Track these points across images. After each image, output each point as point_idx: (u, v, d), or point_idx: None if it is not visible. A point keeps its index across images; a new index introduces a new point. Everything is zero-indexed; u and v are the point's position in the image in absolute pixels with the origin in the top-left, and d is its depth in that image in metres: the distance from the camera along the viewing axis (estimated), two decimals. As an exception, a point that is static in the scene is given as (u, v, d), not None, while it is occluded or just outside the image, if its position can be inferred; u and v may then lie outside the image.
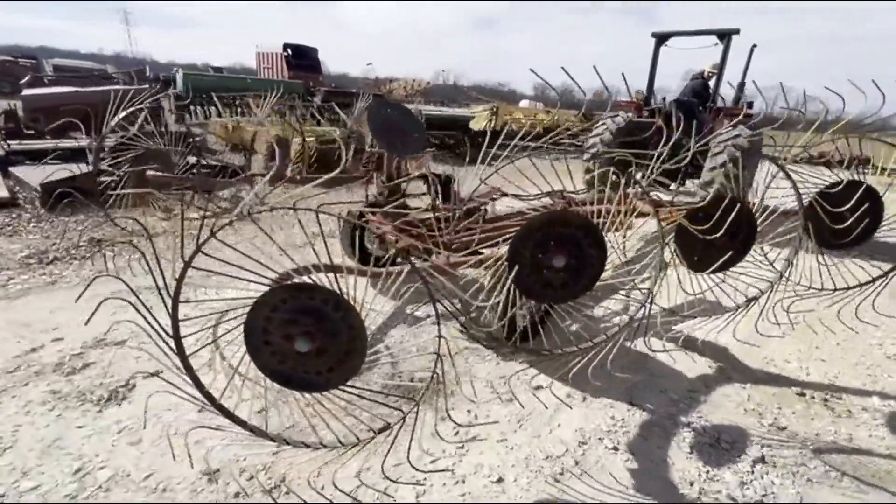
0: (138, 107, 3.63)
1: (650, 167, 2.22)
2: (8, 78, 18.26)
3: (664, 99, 7.19)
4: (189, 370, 1.54)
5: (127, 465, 2.04)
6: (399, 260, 3.51)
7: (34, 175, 5.66)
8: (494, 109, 12.18)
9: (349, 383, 1.67)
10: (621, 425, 2.53)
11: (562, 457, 2.28)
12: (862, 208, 2.47)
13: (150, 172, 3.91)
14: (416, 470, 1.92)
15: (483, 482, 2.10)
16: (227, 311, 1.67)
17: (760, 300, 2.81)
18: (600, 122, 6.89)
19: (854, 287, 2.77)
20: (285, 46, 20.78)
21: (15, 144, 7.18)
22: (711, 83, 6.85)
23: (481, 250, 2.49)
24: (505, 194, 3.02)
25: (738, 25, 6.54)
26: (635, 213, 2.33)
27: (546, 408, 2.57)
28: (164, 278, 1.39)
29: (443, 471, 2.10)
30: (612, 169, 2.29)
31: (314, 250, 1.71)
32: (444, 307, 1.75)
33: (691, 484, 2.18)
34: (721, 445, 2.44)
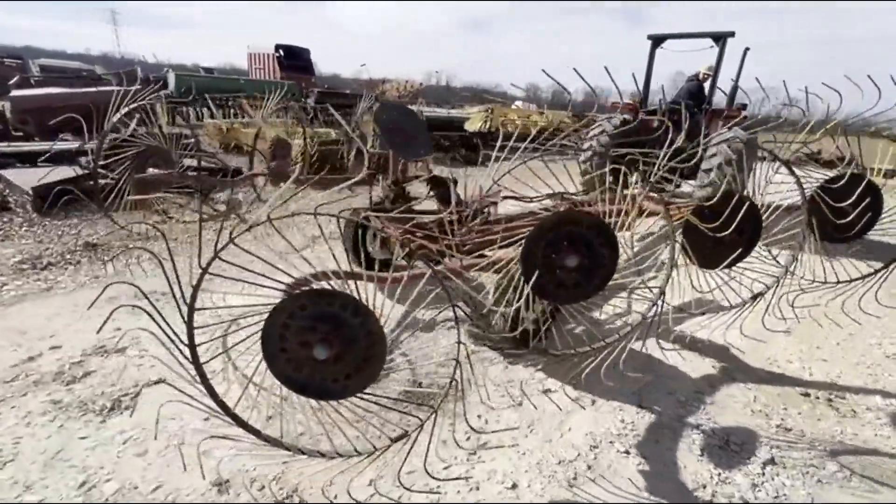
0: (140, 103, 3.56)
1: (657, 165, 2.22)
2: (-6, 78, 17.90)
3: (660, 100, 7.24)
4: (204, 379, 1.50)
5: (134, 477, 1.99)
6: (404, 262, 3.48)
7: (24, 178, 5.54)
8: (490, 111, 12.21)
9: (367, 390, 1.65)
10: (631, 428, 2.52)
11: (574, 461, 2.27)
12: (863, 203, 2.51)
13: (150, 171, 3.83)
14: (432, 478, 1.90)
15: (497, 488, 2.08)
16: (237, 318, 1.64)
17: (766, 295, 2.82)
18: (596, 124, 6.92)
19: (857, 279, 2.81)
20: (277, 47, 20.69)
21: (3, 147, 6.98)
22: (706, 85, 6.91)
23: (492, 252, 2.47)
24: (507, 196, 3.01)
25: (733, 28, 6.62)
26: (645, 213, 2.34)
27: (559, 409, 2.56)
28: (180, 284, 1.36)
29: (458, 479, 2.08)
30: (622, 168, 2.29)
31: (333, 254, 1.68)
32: (462, 310, 1.73)
33: (704, 487, 2.18)
34: (730, 447, 2.44)
